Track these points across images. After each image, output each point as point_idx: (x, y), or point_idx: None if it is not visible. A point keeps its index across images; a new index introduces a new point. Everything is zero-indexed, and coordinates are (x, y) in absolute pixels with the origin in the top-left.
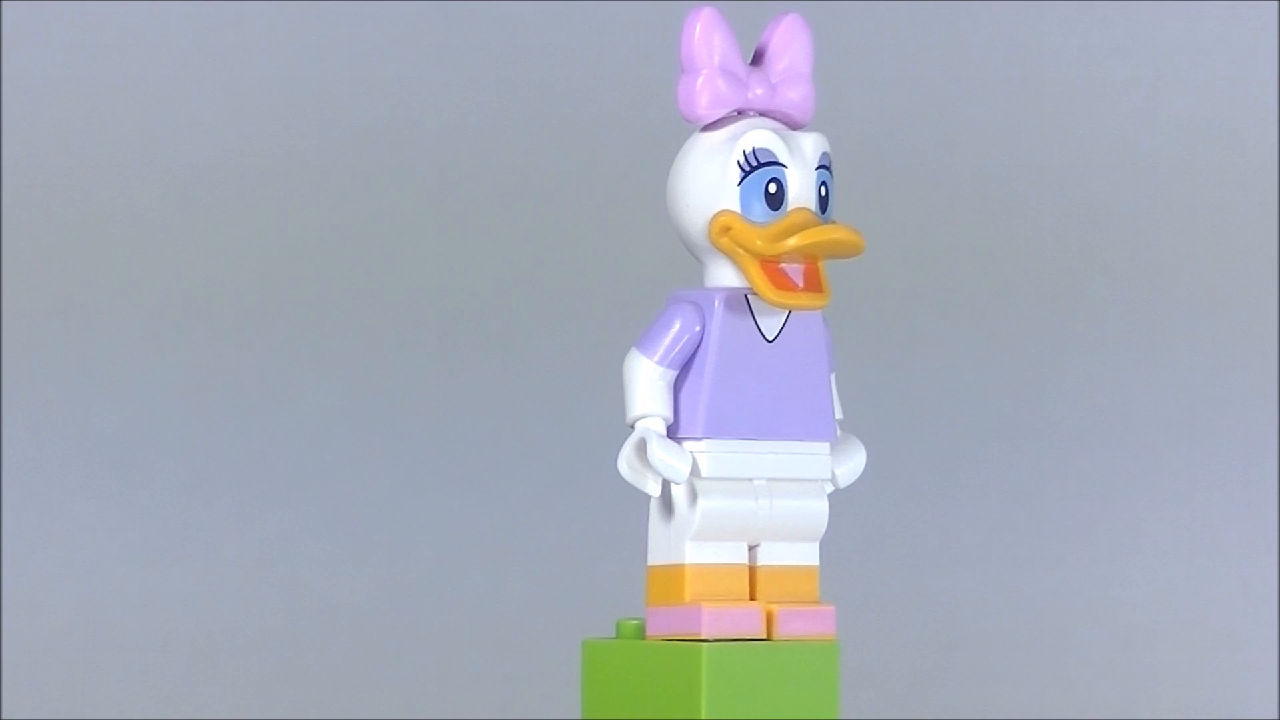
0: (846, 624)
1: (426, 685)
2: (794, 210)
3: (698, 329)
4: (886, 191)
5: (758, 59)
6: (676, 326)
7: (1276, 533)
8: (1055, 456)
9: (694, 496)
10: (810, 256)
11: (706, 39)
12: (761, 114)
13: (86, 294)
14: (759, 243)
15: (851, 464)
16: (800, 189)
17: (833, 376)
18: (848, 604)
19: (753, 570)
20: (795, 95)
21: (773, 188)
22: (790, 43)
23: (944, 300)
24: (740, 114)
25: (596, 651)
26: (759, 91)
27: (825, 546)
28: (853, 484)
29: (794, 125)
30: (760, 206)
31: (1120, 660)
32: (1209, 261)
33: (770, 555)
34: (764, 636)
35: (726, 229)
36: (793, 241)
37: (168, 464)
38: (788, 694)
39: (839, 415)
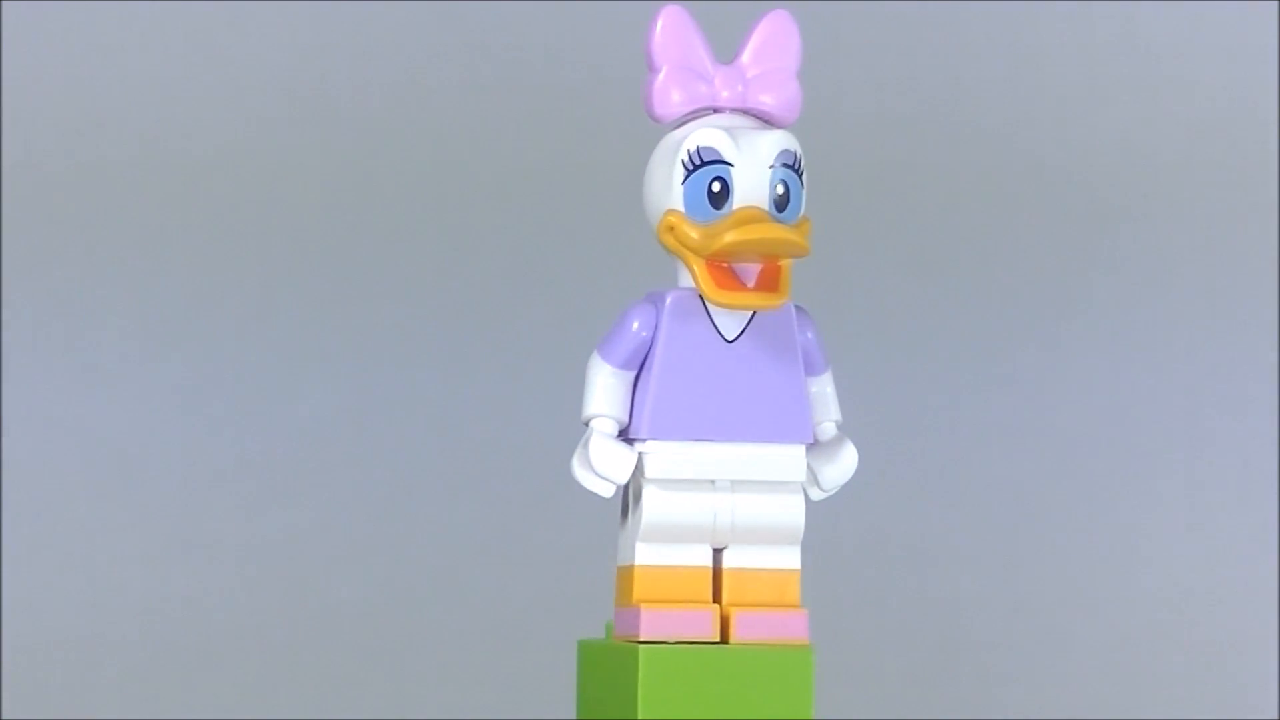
0: (846, 625)
1: (425, 685)
2: (739, 209)
3: (653, 329)
4: (885, 191)
5: (738, 56)
6: (634, 326)
7: (1276, 533)
8: (1055, 456)
9: (639, 497)
10: (751, 254)
11: (669, 37)
12: (742, 112)
13: (86, 294)
14: (695, 238)
15: (839, 466)
16: (749, 188)
17: (826, 377)
18: (847, 604)
19: (718, 573)
20: (776, 92)
21: (716, 186)
22: (773, 40)
23: (944, 300)
24: (716, 112)
25: (588, 651)
26: (738, 89)
27: (823, 548)
28: (852, 484)
29: (777, 123)
30: (705, 205)
31: (1120, 660)
32: (1209, 261)
33: (738, 558)
34: (718, 640)
35: (671, 228)
36: (727, 238)
37: (168, 464)
38: (751, 699)
39: (836, 417)
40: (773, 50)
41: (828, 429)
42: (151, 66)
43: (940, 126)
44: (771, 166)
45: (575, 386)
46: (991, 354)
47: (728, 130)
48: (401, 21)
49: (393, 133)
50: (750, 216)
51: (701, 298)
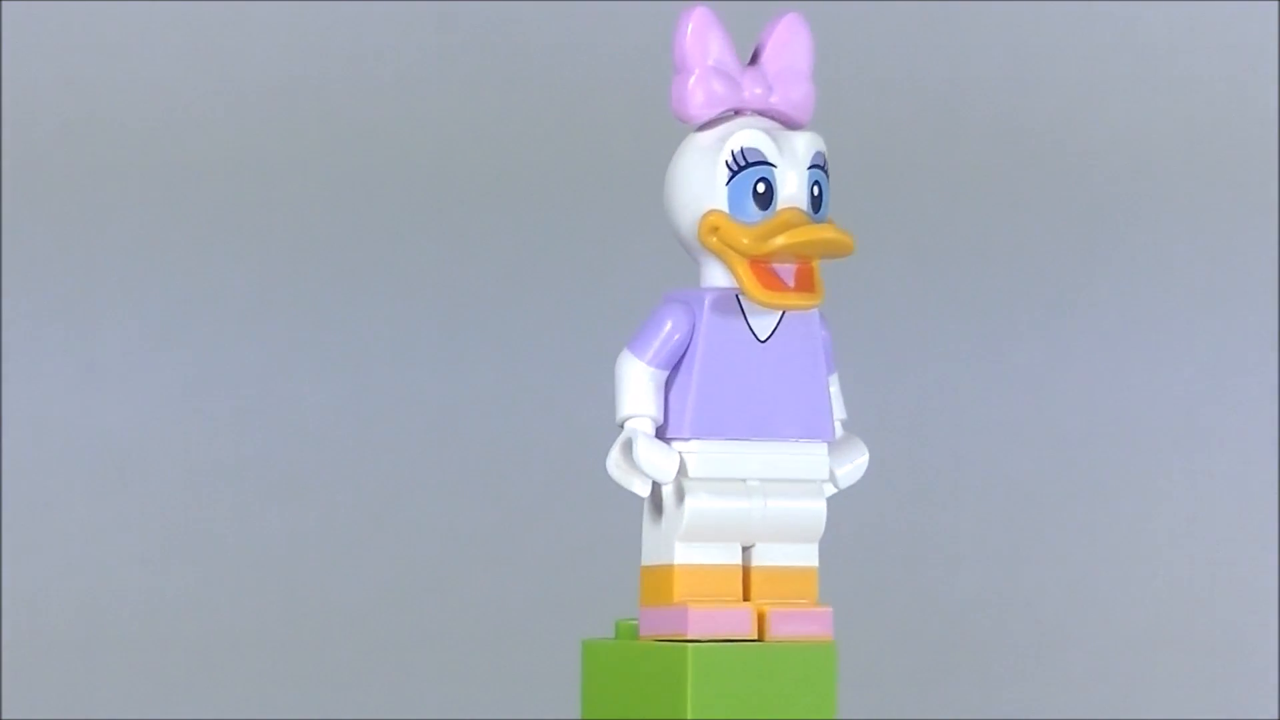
0: (847, 624)
1: (426, 685)
2: (784, 210)
3: (688, 329)
4: (886, 191)
5: (755, 58)
6: (667, 327)
7: (1276, 533)
8: (1055, 456)
9: (681, 496)
10: (798, 256)
11: (699, 38)
12: (759, 113)
13: (86, 294)
14: (745, 242)
15: (853, 464)
16: (791, 189)
17: (834, 377)
18: (848, 604)
19: (747, 571)
20: (793, 94)
21: (761, 187)
22: (789, 42)
23: (944, 300)
24: (737, 114)
25: (595, 651)
26: (757, 91)
27: (825, 546)
28: (853, 484)
29: (792, 125)
30: (749, 206)
31: (1120, 660)
32: (1209, 261)
33: (765, 556)
34: (755, 638)
35: (715, 229)
36: (780, 240)
37: (168, 463)
38: (781, 695)
39: (842, 415)
40: (788, 53)
41: (836, 428)
42: (151, 66)
43: (941, 125)
44: (809, 168)
45: (575, 385)
46: (992, 354)
47: (767, 131)
48: (401, 18)
49: (393, 132)
50: (797, 219)
51: (737, 297)
